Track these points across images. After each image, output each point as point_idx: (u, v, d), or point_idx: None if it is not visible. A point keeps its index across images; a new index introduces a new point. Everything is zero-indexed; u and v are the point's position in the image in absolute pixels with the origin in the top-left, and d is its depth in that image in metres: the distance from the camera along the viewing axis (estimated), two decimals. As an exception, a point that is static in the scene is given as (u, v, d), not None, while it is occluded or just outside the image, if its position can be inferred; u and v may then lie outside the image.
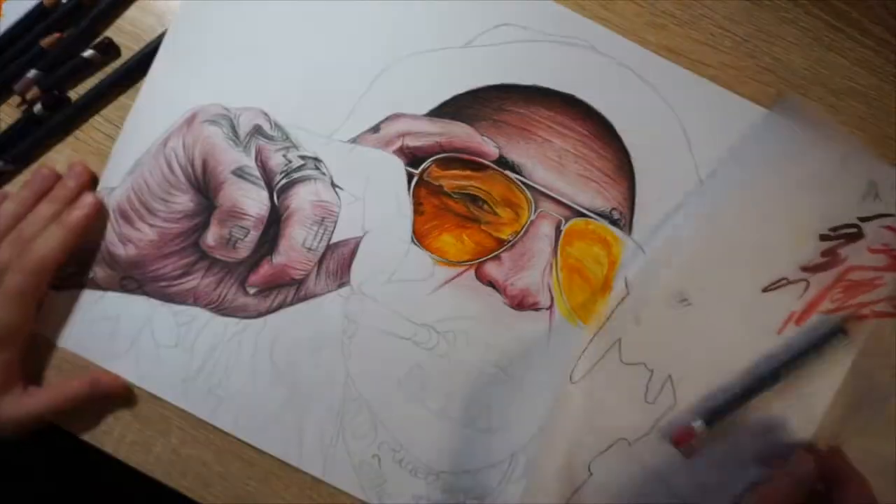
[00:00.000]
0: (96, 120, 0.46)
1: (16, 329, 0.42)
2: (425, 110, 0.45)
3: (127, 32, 0.47)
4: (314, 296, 0.45)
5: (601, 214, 0.45)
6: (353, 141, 0.45)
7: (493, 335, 0.45)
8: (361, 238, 0.45)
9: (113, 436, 0.46)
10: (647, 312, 0.44)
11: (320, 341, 0.45)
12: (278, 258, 0.44)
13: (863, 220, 0.45)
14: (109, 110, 0.46)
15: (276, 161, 0.45)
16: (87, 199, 0.44)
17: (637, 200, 0.45)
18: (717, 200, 0.45)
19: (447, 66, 0.45)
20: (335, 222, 0.45)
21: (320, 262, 0.45)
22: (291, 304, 0.45)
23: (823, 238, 0.45)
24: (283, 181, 0.44)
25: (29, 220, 0.43)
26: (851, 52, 0.46)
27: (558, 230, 0.45)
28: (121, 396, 0.45)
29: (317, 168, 0.45)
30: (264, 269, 0.45)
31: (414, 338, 0.45)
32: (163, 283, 0.45)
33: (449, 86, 0.45)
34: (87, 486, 0.54)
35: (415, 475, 0.45)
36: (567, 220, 0.45)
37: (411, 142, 0.45)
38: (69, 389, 0.44)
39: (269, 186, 0.44)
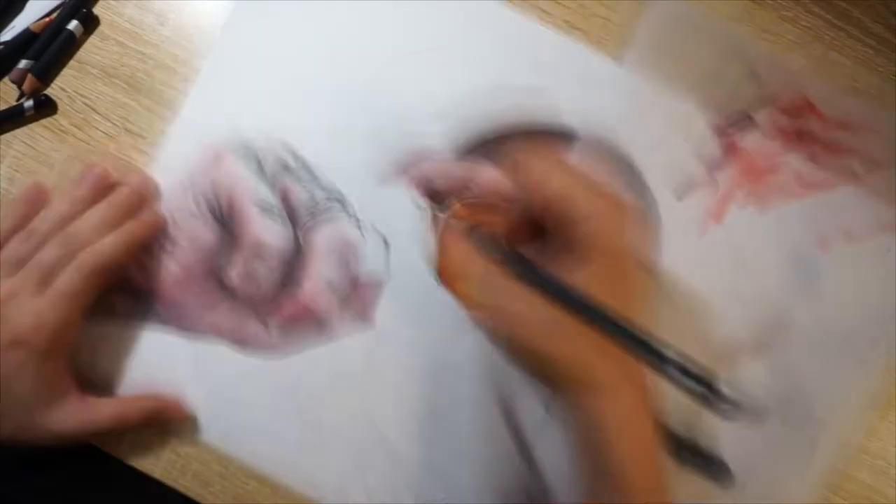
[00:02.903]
0: (94, 118, 0.46)
1: (64, 332, 0.40)
2: (452, 152, 0.45)
3: (125, 31, 0.47)
4: (337, 335, 0.45)
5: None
6: (380, 181, 0.45)
7: (517, 378, 0.44)
8: (386, 279, 0.45)
9: (111, 434, 0.45)
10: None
11: (342, 381, 0.45)
12: (301, 296, 0.44)
13: (751, 107, 0.45)
14: (107, 107, 0.46)
15: (301, 198, 0.45)
16: (153, 214, 0.44)
17: (673, 249, 0.45)
18: (613, 120, 0.45)
19: (476, 106, 0.45)
20: (359, 262, 0.44)
21: (343, 301, 0.45)
22: (314, 343, 0.45)
23: (720, 134, 0.45)
24: (308, 219, 0.44)
25: (86, 220, 0.41)
26: (852, 51, 0.46)
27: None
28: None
29: (342, 207, 0.45)
30: (287, 308, 0.44)
31: (436, 378, 0.45)
32: (184, 319, 0.45)
33: (476, 125, 0.45)
34: (85, 485, 0.54)
35: (435, 517, 0.44)
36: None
37: (437, 183, 0.45)
38: (136, 414, 0.42)
39: (294, 223, 0.44)
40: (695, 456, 0.44)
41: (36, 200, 0.43)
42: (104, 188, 0.43)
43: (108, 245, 0.41)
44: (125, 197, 0.43)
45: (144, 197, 0.44)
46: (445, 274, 0.37)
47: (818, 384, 0.45)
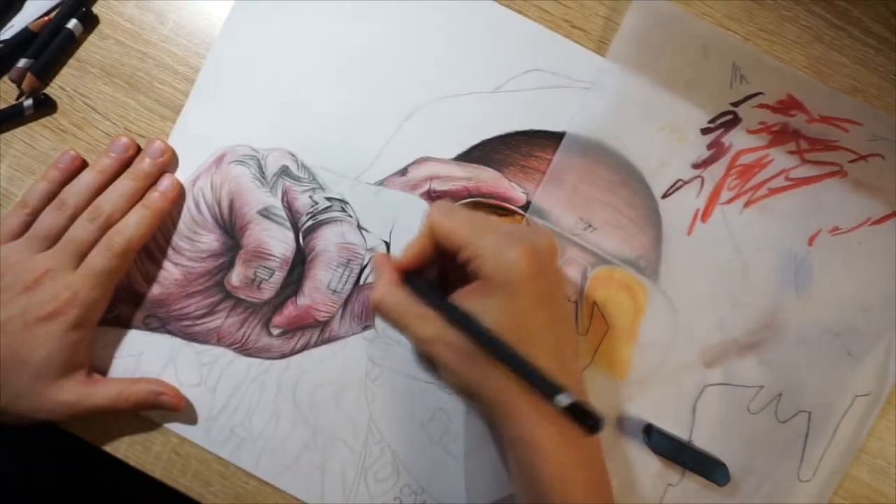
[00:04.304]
0: (94, 117, 0.46)
1: (96, 309, 0.42)
2: (453, 154, 0.45)
3: (125, 30, 0.46)
4: (338, 338, 0.45)
5: (627, 262, 0.45)
6: (381, 183, 0.45)
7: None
8: (387, 281, 0.45)
9: (112, 434, 0.45)
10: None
11: (344, 383, 0.45)
12: (303, 300, 0.44)
13: (736, 104, 0.45)
14: (107, 106, 0.46)
15: (303, 202, 0.45)
16: (172, 183, 0.44)
17: (663, 248, 0.45)
18: (601, 118, 0.45)
19: (476, 111, 0.45)
20: (361, 265, 0.45)
21: (345, 304, 0.45)
22: (315, 345, 0.45)
23: (705, 131, 0.46)
24: (309, 222, 0.44)
25: (109, 196, 0.43)
26: (852, 50, 0.46)
27: (584, 277, 0.45)
28: (178, 412, 0.45)
29: (343, 210, 0.45)
30: (288, 311, 0.45)
31: (437, 382, 0.45)
32: (186, 322, 0.45)
33: (478, 130, 0.45)
34: (85, 485, 0.54)
35: (436, 519, 0.45)
36: (593, 266, 0.45)
37: (439, 185, 0.45)
38: (135, 394, 0.43)
39: (295, 227, 0.44)
40: (692, 458, 0.44)
41: (70, 168, 0.44)
42: (129, 158, 0.45)
43: (132, 224, 0.42)
44: (146, 168, 0.44)
45: (164, 166, 0.45)
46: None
47: (810, 378, 0.45)
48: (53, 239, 0.42)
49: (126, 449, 0.45)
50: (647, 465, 0.45)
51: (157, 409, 0.44)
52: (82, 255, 0.42)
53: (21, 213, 0.43)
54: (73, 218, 0.43)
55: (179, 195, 0.45)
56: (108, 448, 0.45)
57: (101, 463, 0.46)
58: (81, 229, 0.42)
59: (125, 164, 0.45)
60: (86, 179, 0.44)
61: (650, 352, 0.45)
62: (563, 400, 0.32)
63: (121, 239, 0.42)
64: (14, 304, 0.40)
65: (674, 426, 0.45)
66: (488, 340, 0.35)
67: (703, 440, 0.45)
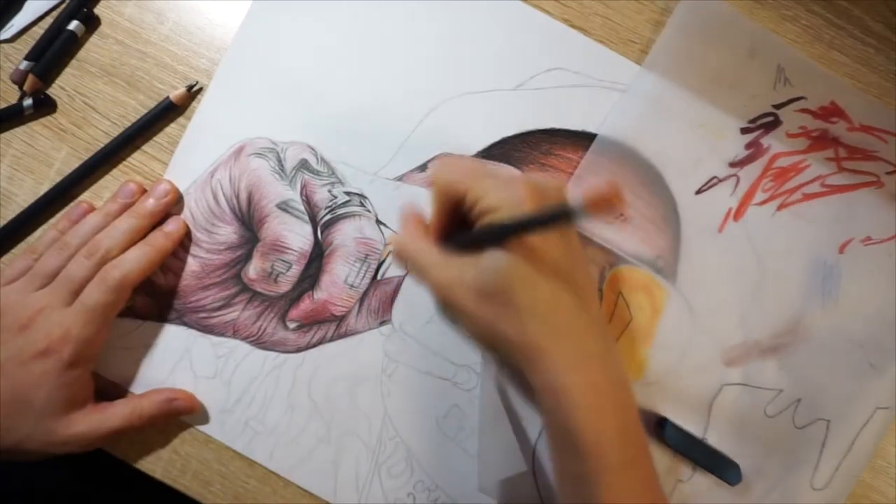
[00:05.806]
0: (93, 117, 0.46)
1: (92, 345, 0.41)
2: (473, 151, 0.45)
3: (125, 30, 0.46)
4: (355, 333, 0.45)
5: (646, 262, 0.45)
6: (400, 179, 0.45)
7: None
8: (404, 277, 0.45)
9: (125, 434, 0.44)
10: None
11: (359, 378, 0.45)
12: (320, 294, 0.44)
13: (777, 106, 0.45)
14: (106, 106, 0.46)
15: (322, 196, 0.45)
16: (178, 226, 0.44)
17: (682, 249, 0.45)
18: (634, 120, 0.45)
19: (497, 108, 0.45)
20: (378, 260, 0.45)
21: (362, 299, 0.45)
22: (331, 340, 0.45)
23: (744, 131, 0.45)
24: (328, 216, 0.44)
25: (107, 233, 0.42)
26: (853, 49, 0.46)
27: (602, 276, 0.45)
28: (193, 415, 0.45)
29: (362, 205, 0.45)
30: (305, 304, 0.44)
31: (453, 378, 0.45)
32: (202, 314, 0.45)
33: (498, 128, 0.45)
34: (85, 485, 0.54)
35: (450, 516, 0.45)
36: (611, 266, 0.45)
37: None
38: (147, 407, 0.43)
39: (314, 221, 0.44)
40: (705, 455, 0.44)
41: (77, 217, 0.44)
42: (135, 202, 0.44)
43: (130, 259, 0.42)
44: (148, 207, 0.44)
45: (168, 206, 0.44)
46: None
47: (831, 387, 0.45)
48: (52, 277, 0.42)
49: (126, 449, 0.45)
50: (658, 460, 0.45)
51: (172, 417, 0.44)
52: (77, 292, 0.41)
53: (29, 259, 0.43)
54: (72, 257, 0.42)
55: (182, 236, 0.44)
56: (108, 448, 0.45)
57: (101, 463, 0.45)
58: (77, 266, 0.41)
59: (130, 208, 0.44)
60: (91, 222, 0.43)
61: (667, 353, 0.45)
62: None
63: (116, 273, 0.41)
64: (11, 343, 0.40)
65: (688, 423, 0.45)
66: (496, 228, 0.34)
67: (717, 439, 0.45)
